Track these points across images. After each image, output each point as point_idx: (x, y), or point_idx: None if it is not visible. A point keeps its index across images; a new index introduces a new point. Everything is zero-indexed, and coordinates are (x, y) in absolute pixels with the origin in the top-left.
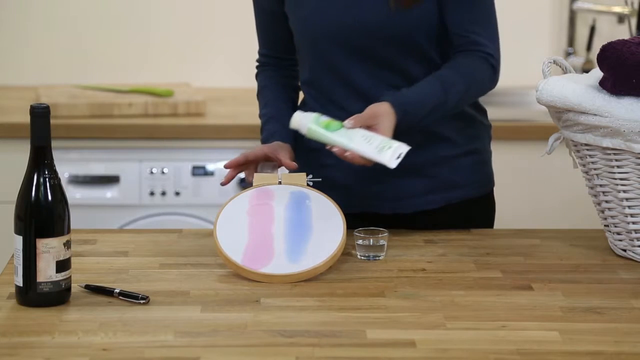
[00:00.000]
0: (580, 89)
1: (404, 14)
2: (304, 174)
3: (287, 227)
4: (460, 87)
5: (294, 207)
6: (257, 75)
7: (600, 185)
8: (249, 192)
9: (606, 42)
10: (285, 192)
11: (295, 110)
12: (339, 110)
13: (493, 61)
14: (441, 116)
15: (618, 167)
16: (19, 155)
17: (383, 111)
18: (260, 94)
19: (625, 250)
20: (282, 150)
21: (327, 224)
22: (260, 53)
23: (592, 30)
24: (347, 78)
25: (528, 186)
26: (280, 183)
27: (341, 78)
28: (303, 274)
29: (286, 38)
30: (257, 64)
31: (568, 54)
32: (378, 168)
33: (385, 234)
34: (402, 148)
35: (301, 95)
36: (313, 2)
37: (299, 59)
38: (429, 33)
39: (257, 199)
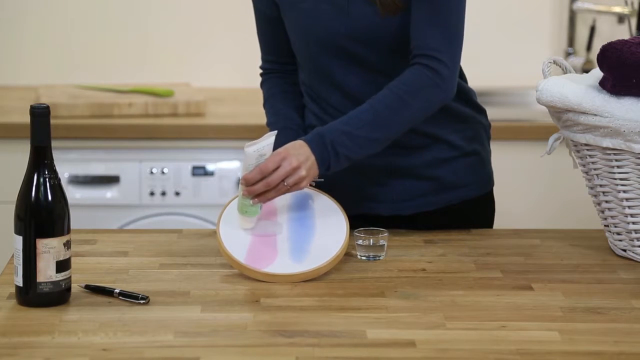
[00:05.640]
0: (580, 89)
1: (393, 20)
2: None
3: (290, 227)
4: (395, 103)
5: (297, 207)
6: (262, 84)
7: (600, 185)
8: None
9: (606, 42)
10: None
11: (303, 117)
12: (338, 113)
13: (441, 67)
14: (385, 135)
15: (618, 167)
16: (19, 155)
17: (287, 149)
18: (267, 103)
19: (625, 250)
20: None
21: (330, 224)
22: (263, 60)
23: (592, 30)
24: (342, 84)
25: (528, 186)
26: None
27: (336, 85)
28: (306, 274)
29: (288, 43)
30: (260, 71)
31: (568, 54)
32: (378, 170)
33: (386, 234)
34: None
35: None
36: (305, 10)
37: (298, 63)
38: None
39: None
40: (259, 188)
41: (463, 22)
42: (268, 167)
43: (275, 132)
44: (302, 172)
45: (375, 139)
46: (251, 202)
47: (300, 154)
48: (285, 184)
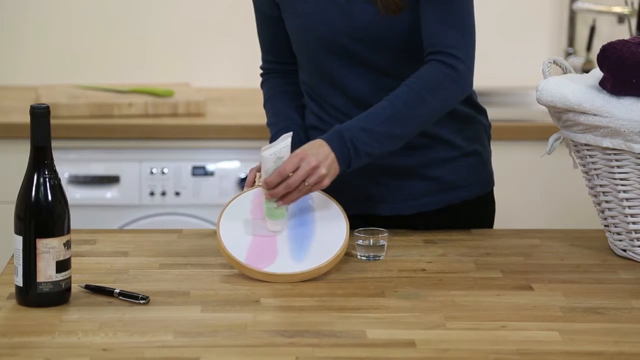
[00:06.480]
0: (580, 89)
1: (394, 19)
2: None
3: (291, 227)
4: (413, 99)
5: (297, 207)
6: (262, 84)
7: (600, 185)
8: (251, 192)
9: (606, 42)
10: None
11: (303, 117)
12: (339, 114)
13: (457, 63)
14: (404, 132)
15: (618, 167)
16: (19, 155)
17: (305, 149)
18: (267, 103)
19: (625, 250)
20: None
21: (330, 224)
22: (263, 59)
23: (592, 30)
24: (342, 84)
25: (528, 186)
26: None
27: (337, 85)
28: (306, 273)
29: (288, 43)
30: (261, 71)
31: (568, 54)
32: (378, 170)
33: (386, 234)
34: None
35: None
36: (306, 9)
37: (298, 63)
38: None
39: (260, 199)
40: (280, 191)
41: (474, 19)
42: (286, 169)
43: (291, 133)
44: (323, 171)
45: (394, 135)
46: (275, 205)
47: (319, 153)
48: (307, 183)
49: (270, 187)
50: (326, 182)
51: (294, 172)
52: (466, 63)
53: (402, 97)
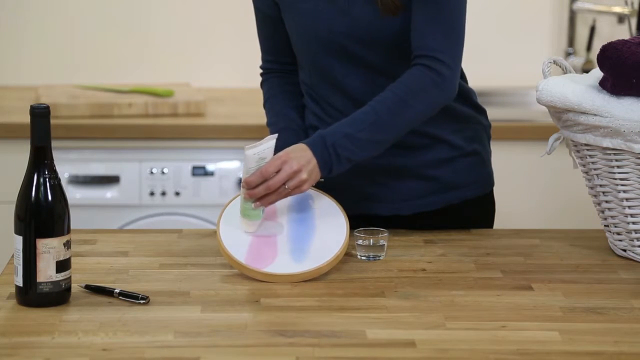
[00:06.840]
0: (580, 89)
1: (393, 20)
2: None
3: (291, 227)
4: (397, 105)
5: (298, 207)
6: (262, 84)
7: (600, 185)
8: None
9: (606, 42)
10: None
11: (303, 117)
12: (338, 114)
13: (442, 68)
14: (387, 138)
15: (618, 167)
16: (19, 155)
17: (288, 152)
18: (267, 103)
19: (625, 250)
20: None
21: (330, 224)
22: (263, 59)
23: (592, 30)
24: (342, 85)
25: (528, 186)
26: None
27: (336, 85)
28: (306, 273)
29: (288, 43)
30: (261, 71)
31: (568, 54)
32: (378, 170)
33: (386, 234)
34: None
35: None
36: (305, 10)
37: (298, 63)
38: None
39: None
40: (260, 191)
41: (464, 23)
42: (269, 171)
43: (276, 135)
44: (304, 175)
45: (377, 141)
46: (253, 205)
47: (301, 157)
48: (287, 187)
49: (250, 186)
50: (305, 187)
51: (275, 173)
52: (451, 67)
53: (385, 102)
